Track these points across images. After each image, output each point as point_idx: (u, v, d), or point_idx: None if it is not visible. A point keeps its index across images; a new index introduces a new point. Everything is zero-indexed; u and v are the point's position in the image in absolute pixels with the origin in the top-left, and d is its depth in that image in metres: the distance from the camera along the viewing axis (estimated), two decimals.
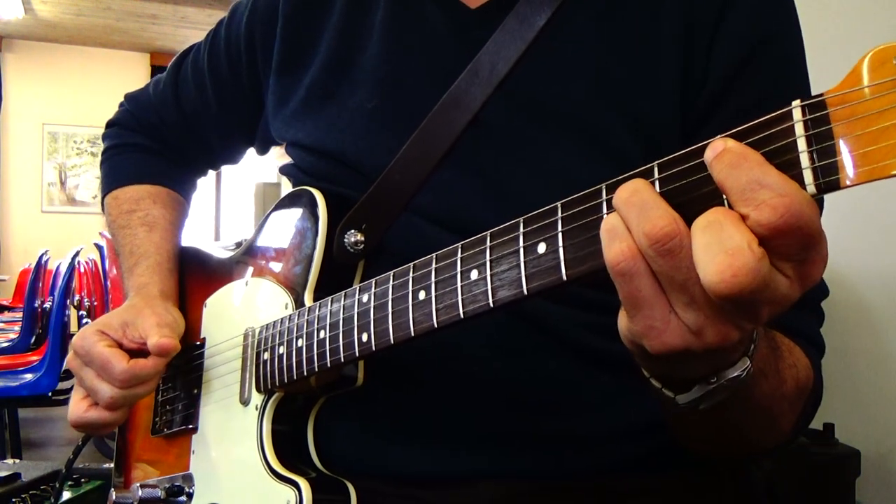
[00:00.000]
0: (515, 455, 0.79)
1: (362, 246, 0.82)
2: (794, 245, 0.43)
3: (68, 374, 4.07)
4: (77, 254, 4.13)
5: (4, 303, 6.81)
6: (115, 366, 0.83)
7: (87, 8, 7.29)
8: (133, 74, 8.64)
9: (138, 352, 0.87)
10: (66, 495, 1.16)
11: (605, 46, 0.77)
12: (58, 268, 4.44)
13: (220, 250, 1.04)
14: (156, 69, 8.68)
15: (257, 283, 0.90)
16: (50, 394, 3.61)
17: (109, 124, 1.18)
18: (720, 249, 0.42)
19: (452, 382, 0.80)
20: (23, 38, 8.32)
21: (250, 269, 0.93)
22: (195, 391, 0.94)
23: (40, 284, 4.86)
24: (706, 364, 0.53)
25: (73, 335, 4.13)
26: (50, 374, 3.54)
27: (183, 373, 0.97)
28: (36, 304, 4.42)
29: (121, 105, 1.18)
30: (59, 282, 3.87)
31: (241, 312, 0.90)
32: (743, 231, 0.42)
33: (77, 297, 5.20)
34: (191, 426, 0.92)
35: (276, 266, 0.88)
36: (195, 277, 1.03)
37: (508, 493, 0.78)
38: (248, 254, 0.95)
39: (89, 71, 8.56)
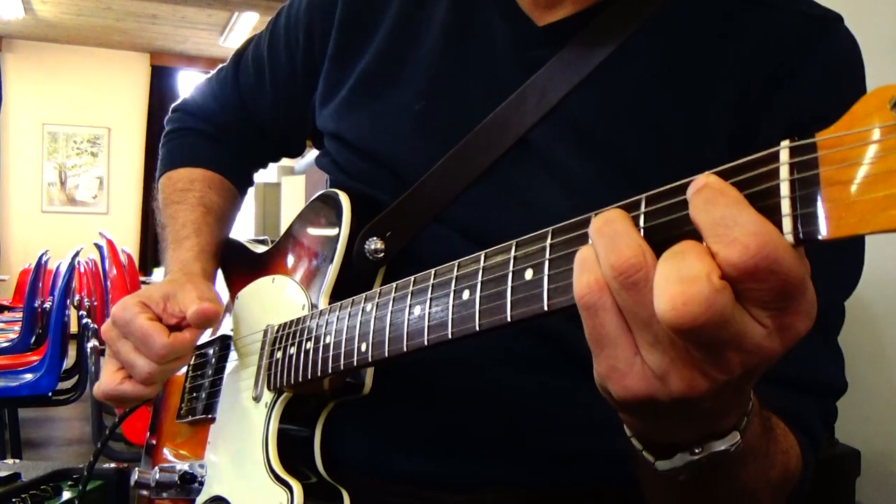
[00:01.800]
0: (524, 466, 0.79)
1: (382, 254, 0.81)
2: (767, 291, 0.40)
3: (68, 374, 4.08)
4: (77, 254, 4.13)
5: (4, 303, 6.81)
6: (156, 340, 0.80)
7: (87, 8, 7.29)
8: (133, 74, 8.64)
9: (176, 327, 0.85)
10: (66, 495, 1.16)
11: (660, 90, 0.76)
12: (58, 268, 4.44)
13: (255, 245, 1.05)
14: (156, 69, 8.68)
15: (282, 282, 0.91)
16: (50, 394, 3.61)
17: (174, 109, 1.17)
18: (676, 278, 0.40)
19: (465, 394, 0.80)
20: (23, 38, 8.33)
21: (278, 267, 0.94)
22: (218, 382, 0.95)
23: (40, 284, 4.87)
24: (690, 427, 0.50)
25: (73, 335, 4.14)
26: (50, 374, 3.54)
27: (210, 363, 0.98)
28: (36, 304, 4.43)
29: (187, 92, 1.17)
30: (59, 282, 3.87)
31: (265, 309, 0.92)
32: (704, 261, 0.39)
33: (77, 297, 5.20)
34: (210, 416, 0.94)
35: (300, 266, 0.90)
36: (231, 270, 1.04)
37: (516, 500, 0.79)
38: (278, 251, 0.96)
39: (89, 71, 8.56)
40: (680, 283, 0.39)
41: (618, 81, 0.76)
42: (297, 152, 1.14)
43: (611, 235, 0.44)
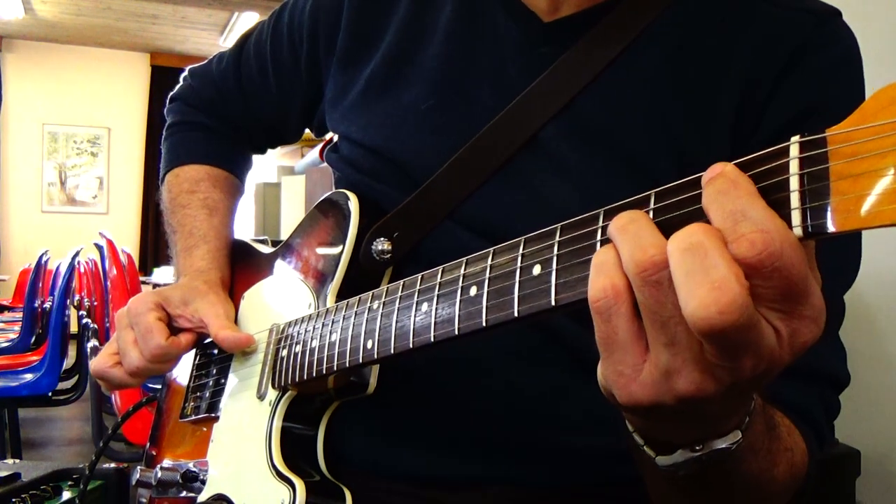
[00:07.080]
0: (528, 464, 0.79)
1: (389, 255, 0.82)
2: (773, 289, 0.40)
3: (68, 375, 4.08)
4: (77, 254, 4.13)
5: (4, 303, 6.81)
6: (154, 339, 0.87)
7: (87, 8, 7.29)
8: (133, 74, 8.64)
9: (182, 331, 0.92)
10: (66, 495, 1.16)
11: (668, 86, 0.76)
12: (58, 268, 4.44)
13: (262, 245, 1.06)
14: (156, 69, 8.68)
15: (289, 281, 0.92)
16: (50, 394, 3.60)
17: (172, 98, 1.17)
18: (705, 279, 0.39)
19: (468, 393, 0.80)
20: (23, 38, 8.33)
21: (285, 266, 0.95)
22: (222, 381, 0.95)
23: (40, 284, 4.87)
24: (693, 428, 0.50)
25: (73, 335, 4.15)
26: (50, 374, 3.53)
27: (215, 362, 0.99)
28: (36, 304, 4.43)
29: (184, 79, 1.17)
30: (59, 282, 3.87)
31: (272, 308, 0.93)
32: (728, 260, 0.39)
33: (77, 297, 5.19)
34: (214, 414, 0.94)
35: (307, 266, 0.90)
36: (238, 269, 1.05)
37: (519, 498, 0.79)
38: (285, 251, 0.97)
39: (89, 71, 8.56)
40: (711, 287, 0.39)
41: (626, 80, 0.77)
42: (294, 139, 1.16)
43: (635, 233, 0.43)
